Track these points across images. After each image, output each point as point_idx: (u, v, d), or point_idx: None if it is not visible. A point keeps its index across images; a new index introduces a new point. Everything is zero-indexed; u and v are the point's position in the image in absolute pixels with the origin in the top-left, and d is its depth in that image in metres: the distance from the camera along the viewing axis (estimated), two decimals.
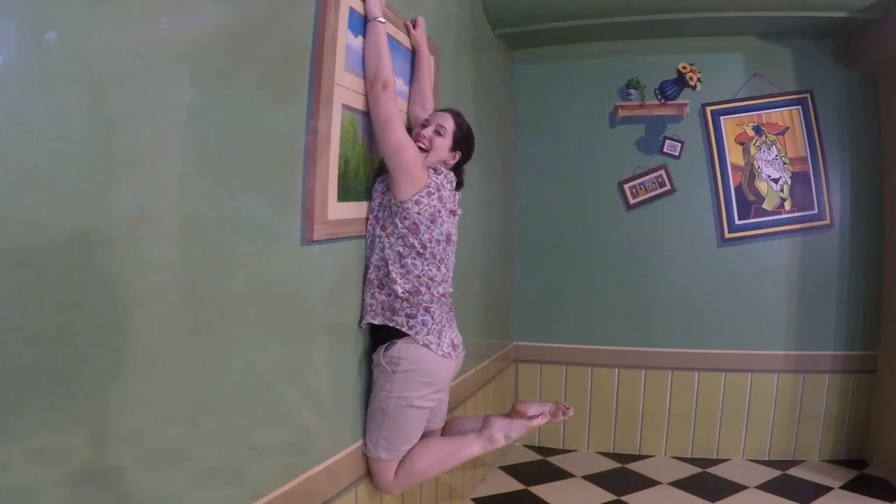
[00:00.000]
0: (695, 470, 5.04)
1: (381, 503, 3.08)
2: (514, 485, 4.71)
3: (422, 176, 2.77)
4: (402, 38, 3.16)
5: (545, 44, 5.41)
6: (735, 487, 4.66)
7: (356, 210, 2.76)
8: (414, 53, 3.27)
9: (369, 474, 2.92)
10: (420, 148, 2.87)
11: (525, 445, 5.53)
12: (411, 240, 2.76)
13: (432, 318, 2.82)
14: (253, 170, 2.16)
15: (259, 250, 2.20)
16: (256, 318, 2.20)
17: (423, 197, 2.76)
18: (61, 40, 1.46)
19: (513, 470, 5.00)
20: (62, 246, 1.49)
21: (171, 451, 1.87)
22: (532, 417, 3.11)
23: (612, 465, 5.15)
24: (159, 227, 1.78)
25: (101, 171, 1.59)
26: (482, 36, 4.75)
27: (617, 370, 5.38)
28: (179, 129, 1.84)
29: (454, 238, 2.99)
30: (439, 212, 2.83)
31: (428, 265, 2.79)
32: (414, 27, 3.24)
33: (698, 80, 5.15)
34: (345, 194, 2.65)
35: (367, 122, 2.79)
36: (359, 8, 2.70)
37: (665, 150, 5.28)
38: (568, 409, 3.14)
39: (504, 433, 3.08)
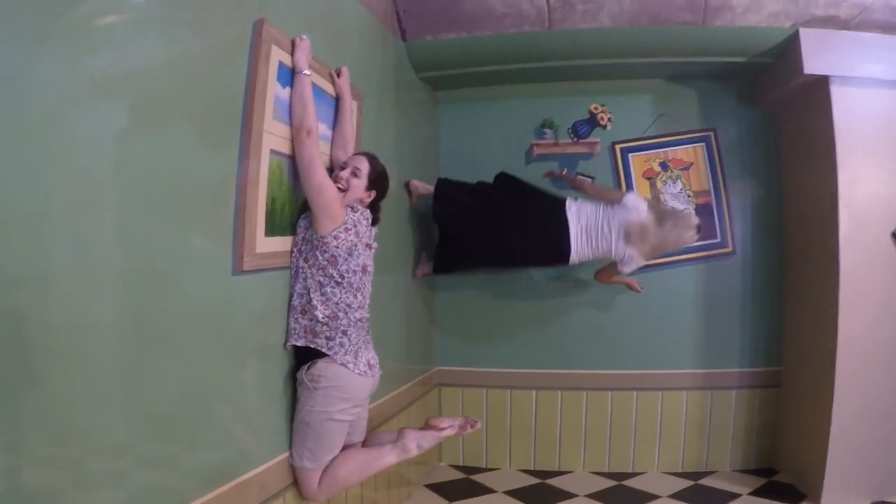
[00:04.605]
0: (611, 483, 5.31)
1: None
2: (439, 501, 4.91)
3: (340, 213, 3.02)
4: (326, 86, 3.42)
5: (466, 86, 5.70)
6: (648, 497, 4.95)
7: (282, 244, 3.00)
8: (337, 100, 3.53)
9: (296, 483, 3.14)
10: (339, 188, 3.13)
11: (450, 465, 5.74)
12: (330, 270, 3.01)
13: (349, 340, 3.07)
14: (189, 207, 2.38)
15: (194, 280, 2.42)
16: (192, 341, 2.40)
17: (341, 232, 3.01)
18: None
19: (437, 488, 5.19)
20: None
21: (108, 469, 2.03)
22: (442, 429, 3.43)
23: (532, 480, 5.40)
24: (102, 258, 1.98)
25: (40, 206, 1.77)
26: (406, 78, 5.02)
27: (534, 392, 5.63)
28: (124, 171, 2.05)
29: (370, 269, 3.24)
30: (356, 245, 3.09)
31: (345, 293, 3.04)
32: (338, 76, 3.51)
33: (609, 119, 5.55)
34: (272, 230, 2.89)
35: (292, 165, 3.03)
36: (287, 61, 2.97)
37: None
38: (475, 422, 3.48)
39: (417, 443, 3.37)
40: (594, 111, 5.56)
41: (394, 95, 4.70)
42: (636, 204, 4.61)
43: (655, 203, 4.74)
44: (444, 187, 5.00)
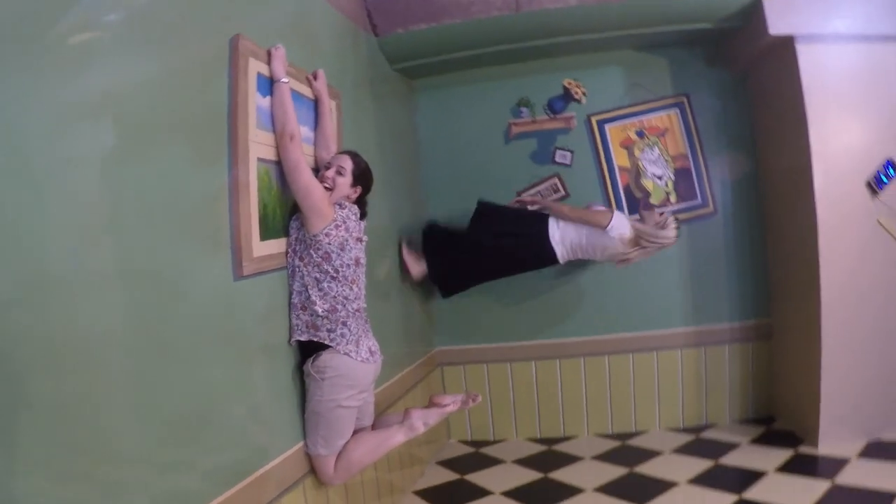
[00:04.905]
0: (616, 443, 5.49)
1: (326, 496, 3.47)
2: (451, 475, 5.08)
3: (329, 212, 3.16)
4: (304, 90, 3.54)
5: (441, 72, 5.80)
6: (652, 454, 5.12)
7: (277, 246, 3.15)
8: (316, 102, 3.65)
9: (313, 470, 3.32)
10: (325, 187, 3.27)
11: (459, 441, 5.92)
12: (325, 266, 3.16)
13: (349, 330, 3.23)
14: (188, 221, 2.53)
15: (200, 290, 2.56)
16: (202, 348, 2.55)
17: (331, 230, 3.16)
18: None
19: (449, 463, 5.36)
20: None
21: (132, 478, 2.15)
22: (446, 406, 3.62)
23: (539, 448, 5.57)
24: (110, 278, 2.11)
25: (47, 232, 1.89)
26: (381, 72, 5.13)
27: (534, 362, 5.79)
28: (123, 192, 2.18)
29: (362, 261, 3.40)
30: (347, 241, 3.23)
31: (341, 286, 3.20)
32: (315, 78, 3.63)
33: (583, 93, 5.68)
34: (266, 233, 3.04)
35: (279, 170, 3.17)
36: (265, 72, 3.09)
37: (557, 159, 5.73)
38: (476, 396, 3.68)
39: (423, 421, 3.58)
40: (568, 86, 5.69)
41: (370, 90, 4.80)
42: (620, 233, 4.76)
43: (638, 224, 4.87)
44: (430, 242, 5.30)
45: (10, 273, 1.77)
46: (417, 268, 5.18)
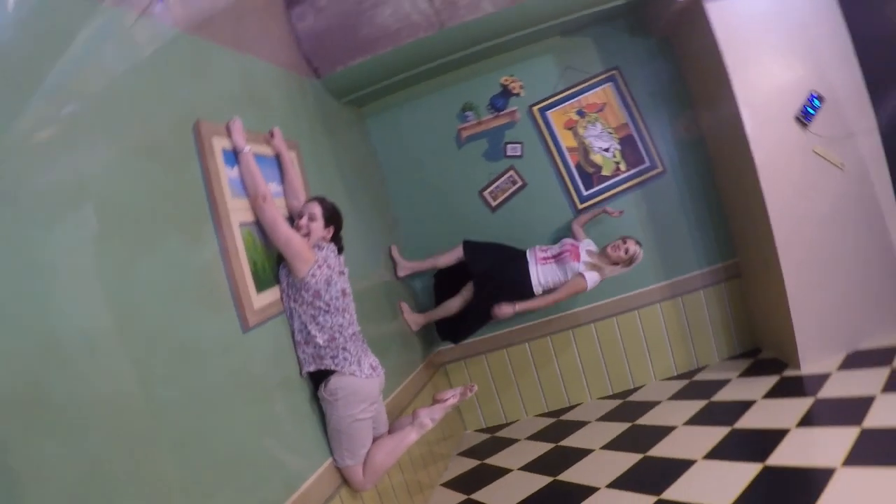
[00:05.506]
0: (617, 402, 5.84)
1: (361, 501, 3.83)
2: (473, 463, 5.40)
3: (310, 256, 3.49)
4: (265, 150, 3.85)
5: (386, 95, 6.12)
6: (652, 405, 5.46)
7: (272, 294, 3.48)
8: (278, 158, 3.96)
9: (345, 481, 3.68)
10: (302, 234, 3.60)
11: (475, 431, 6.25)
12: (317, 303, 3.51)
13: (350, 353, 3.59)
14: (193, 292, 2.85)
15: (216, 347, 2.89)
16: (229, 397, 2.87)
17: (316, 270, 3.49)
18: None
19: (469, 452, 5.69)
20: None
21: None
22: (447, 400, 4.03)
23: (549, 421, 5.92)
24: (139, 346, 2.40)
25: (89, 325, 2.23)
26: (330, 109, 5.42)
27: (527, 344, 6.13)
28: (141, 277, 2.49)
29: (348, 290, 3.75)
30: (331, 276, 3.58)
31: (335, 317, 3.55)
32: (272, 137, 3.94)
33: (520, 87, 6.02)
34: (260, 286, 3.37)
35: (260, 228, 3.49)
36: (228, 146, 3.40)
37: (508, 153, 6.07)
38: (473, 386, 4.12)
39: (430, 417, 3.99)
40: (505, 83, 6.03)
41: (324, 128, 5.09)
42: (594, 283, 5.28)
43: (608, 269, 5.33)
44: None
45: (45, 349, 2.02)
46: (415, 325, 5.70)
